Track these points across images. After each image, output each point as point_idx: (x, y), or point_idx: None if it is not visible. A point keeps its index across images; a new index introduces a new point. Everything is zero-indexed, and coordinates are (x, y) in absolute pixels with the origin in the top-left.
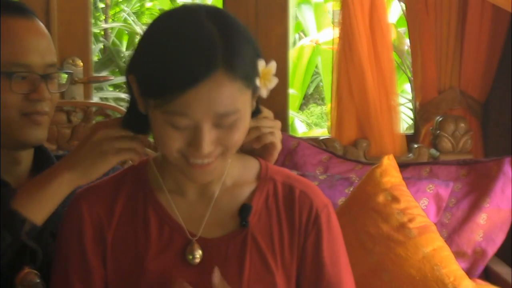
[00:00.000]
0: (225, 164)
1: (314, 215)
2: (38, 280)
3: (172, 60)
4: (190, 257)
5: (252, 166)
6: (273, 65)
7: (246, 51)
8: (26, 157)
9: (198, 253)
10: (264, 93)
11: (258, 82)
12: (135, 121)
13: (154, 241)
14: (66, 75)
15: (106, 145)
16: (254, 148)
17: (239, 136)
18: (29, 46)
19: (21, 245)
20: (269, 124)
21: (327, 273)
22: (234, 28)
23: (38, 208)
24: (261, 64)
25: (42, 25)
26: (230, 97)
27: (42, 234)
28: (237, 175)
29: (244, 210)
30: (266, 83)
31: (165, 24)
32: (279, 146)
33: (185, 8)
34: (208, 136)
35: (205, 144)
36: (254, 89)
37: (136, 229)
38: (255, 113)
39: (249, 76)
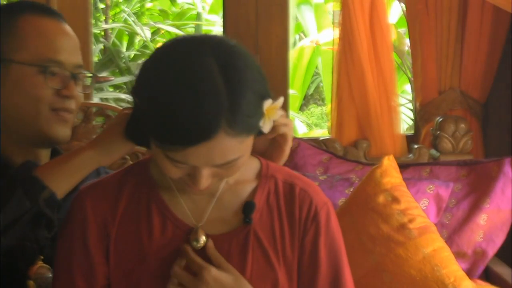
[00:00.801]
0: (224, 180)
1: (313, 212)
2: (51, 275)
3: (175, 116)
4: (195, 242)
5: (252, 165)
6: (280, 101)
7: (251, 100)
8: (45, 156)
9: (202, 239)
10: (267, 128)
11: (261, 122)
12: (136, 133)
13: (157, 237)
14: (90, 79)
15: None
16: (267, 139)
17: (238, 169)
18: (60, 45)
19: (38, 214)
20: (283, 120)
21: (323, 270)
22: (240, 70)
23: (59, 180)
24: (266, 104)
25: (69, 27)
26: (231, 150)
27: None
28: (239, 174)
29: (247, 207)
30: (270, 117)
31: (169, 67)
32: (290, 141)
33: (192, 44)
34: (206, 174)
35: (203, 182)
36: (257, 130)
37: (139, 225)
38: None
39: (252, 127)
